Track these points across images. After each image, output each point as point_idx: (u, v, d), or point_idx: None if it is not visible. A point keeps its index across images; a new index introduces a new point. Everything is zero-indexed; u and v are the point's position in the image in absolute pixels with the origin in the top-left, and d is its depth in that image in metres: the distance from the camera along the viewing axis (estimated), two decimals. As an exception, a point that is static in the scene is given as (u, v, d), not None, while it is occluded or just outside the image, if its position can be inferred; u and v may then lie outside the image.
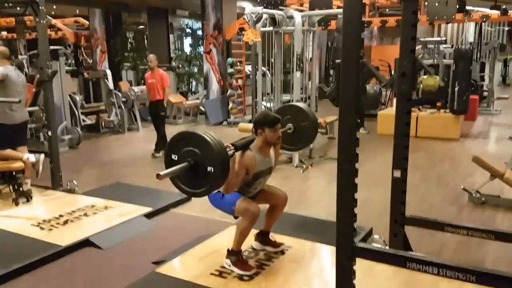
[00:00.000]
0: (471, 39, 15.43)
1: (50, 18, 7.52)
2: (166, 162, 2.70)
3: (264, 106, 7.22)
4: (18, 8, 7.39)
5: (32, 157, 4.71)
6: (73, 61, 12.99)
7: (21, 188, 4.72)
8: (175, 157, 2.64)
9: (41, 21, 4.86)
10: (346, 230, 2.24)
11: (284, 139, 3.37)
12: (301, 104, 3.81)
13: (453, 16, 7.05)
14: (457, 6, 3.72)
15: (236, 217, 3.17)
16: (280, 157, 6.77)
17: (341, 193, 2.21)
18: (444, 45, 10.71)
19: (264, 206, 3.37)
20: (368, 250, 2.43)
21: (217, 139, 2.59)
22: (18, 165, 4.68)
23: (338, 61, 2.40)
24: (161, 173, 2.47)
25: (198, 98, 11.13)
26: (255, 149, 3.06)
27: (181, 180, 2.66)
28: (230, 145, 2.84)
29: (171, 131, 9.56)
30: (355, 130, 2.11)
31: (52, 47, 7.42)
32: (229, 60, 10.31)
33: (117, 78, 10.95)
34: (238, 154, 2.95)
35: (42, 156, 4.85)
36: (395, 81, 2.98)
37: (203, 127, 10.34)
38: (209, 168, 2.53)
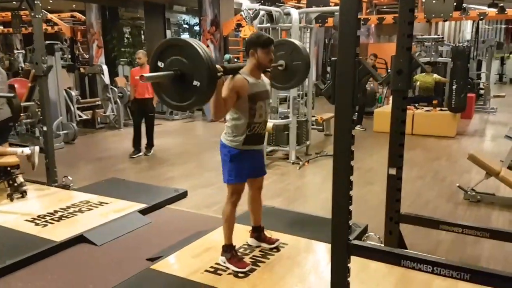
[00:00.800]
0: (468, 37, 15.45)
1: (46, 12, 7.48)
2: (151, 68, 2.56)
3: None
4: (14, 2, 7.34)
5: (26, 150, 4.68)
6: (69, 56, 12.96)
7: (15, 184, 4.70)
8: (161, 64, 2.50)
9: (36, 16, 4.81)
10: (341, 227, 2.24)
11: (275, 76, 3.32)
12: (296, 42, 3.70)
13: (451, 14, 7.06)
14: (455, 4, 3.70)
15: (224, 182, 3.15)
16: (276, 153, 6.81)
17: (336, 190, 2.20)
18: (444, 43, 10.72)
19: (244, 204, 3.36)
20: (362, 247, 2.44)
21: (207, 52, 2.45)
22: (13, 160, 4.66)
23: (334, 58, 2.40)
24: (145, 75, 2.38)
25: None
26: (245, 73, 2.95)
27: (165, 92, 2.55)
28: (219, 67, 2.67)
29: (168, 127, 9.62)
30: (350, 127, 2.10)
31: (48, 42, 7.40)
32: (226, 56, 10.27)
33: (113, 73, 10.90)
34: (228, 78, 2.87)
35: (37, 148, 4.82)
36: (391, 78, 2.97)
37: (200, 123, 10.32)
38: (195, 82, 2.41)
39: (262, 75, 3.11)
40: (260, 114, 3.03)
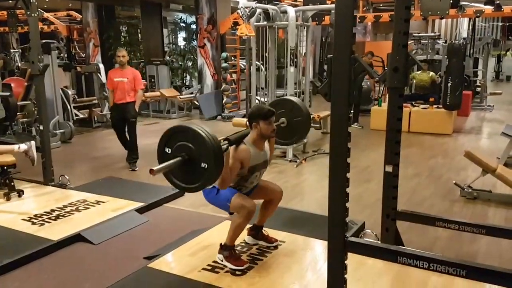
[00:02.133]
0: (464, 34, 15.47)
1: (42, 11, 7.46)
2: (159, 155, 2.67)
3: (258, 101, 7.20)
4: (10, 1, 7.31)
5: (23, 146, 4.65)
6: (66, 55, 12.91)
7: (12, 183, 4.69)
8: (168, 150, 2.62)
9: (32, 14, 4.80)
10: (338, 224, 2.24)
11: (278, 133, 3.36)
12: (294, 99, 3.81)
13: (447, 11, 7.09)
14: (451, 1, 3.72)
15: (231, 213, 3.16)
16: (274, 151, 6.80)
17: (333, 187, 2.20)
18: (440, 41, 10.75)
19: (259, 201, 3.38)
20: (359, 244, 2.45)
21: (211, 134, 2.56)
22: (10, 159, 4.64)
23: (330, 56, 2.40)
24: (155, 168, 2.45)
25: (192, 93, 11.09)
26: (249, 143, 3.05)
27: (174, 174, 2.64)
28: (224, 140, 2.83)
29: (165, 126, 9.58)
30: (346, 125, 2.10)
31: (44, 41, 7.38)
32: (223, 54, 10.27)
33: (110, 72, 10.86)
34: (232, 148, 2.94)
35: (33, 142, 4.78)
36: (387, 76, 2.97)
37: (197, 121, 10.31)
38: (203, 164, 2.51)
39: (265, 143, 3.19)
40: (252, 182, 3.16)
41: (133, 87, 5.89)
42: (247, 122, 3.14)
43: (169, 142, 2.63)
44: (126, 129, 6.07)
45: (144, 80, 11.30)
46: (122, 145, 6.20)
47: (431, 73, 9.37)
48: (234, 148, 2.96)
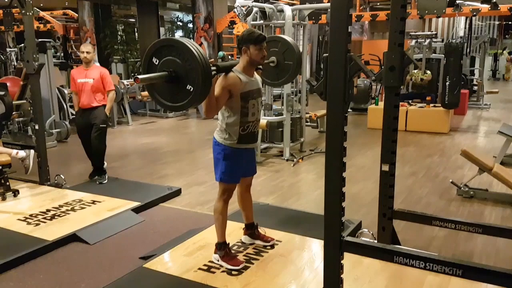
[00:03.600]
0: (461, 33, 15.49)
1: (38, 10, 7.41)
2: (144, 65, 2.54)
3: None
4: (5, 0, 7.27)
5: (21, 153, 4.65)
6: (62, 54, 12.86)
7: (7, 182, 4.66)
8: (156, 60, 2.48)
9: (27, 13, 4.77)
10: (334, 224, 2.23)
11: (266, 72, 3.31)
12: (289, 39, 3.66)
13: (444, 10, 7.08)
14: (448, 0, 3.71)
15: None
16: (270, 150, 6.80)
17: (329, 186, 2.20)
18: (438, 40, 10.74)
19: (235, 206, 3.37)
20: (355, 244, 2.43)
21: (202, 53, 2.44)
22: (5, 159, 4.62)
23: (326, 54, 2.40)
24: (140, 76, 2.36)
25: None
26: (238, 71, 2.95)
27: (159, 91, 2.54)
28: (212, 65, 2.66)
29: (161, 125, 9.58)
30: (342, 124, 2.09)
31: (40, 40, 7.35)
32: (220, 53, 10.22)
33: (106, 71, 10.84)
34: (221, 77, 2.86)
35: (32, 152, 4.78)
36: (383, 75, 2.96)
37: (194, 120, 10.29)
38: (189, 86, 2.42)
39: (255, 73, 3.10)
40: (253, 113, 3.02)
41: (101, 88, 5.11)
42: (237, 47, 3.04)
43: (157, 54, 2.49)
44: (91, 137, 5.20)
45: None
46: (89, 157, 5.42)
47: (428, 72, 9.36)
48: (223, 76, 2.87)
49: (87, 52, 4.99)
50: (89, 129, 5.15)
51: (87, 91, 5.05)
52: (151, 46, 2.52)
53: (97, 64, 5.34)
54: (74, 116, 5.01)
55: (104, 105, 5.18)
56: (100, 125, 5.11)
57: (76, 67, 5.40)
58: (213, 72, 2.63)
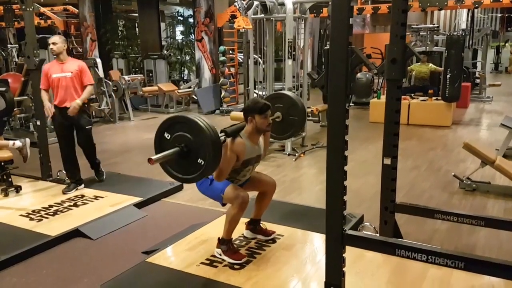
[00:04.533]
0: (463, 25, 15.41)
1: (38, 6, 7.38)
2: (156, 140, 2.62)
3: (257, 94, 7.17)
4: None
5: (18, 143, 4.64)
6: (63, 50, 12.84)
7: (9, 178, 4.67)
8: (168, 136, 2.57)
9: (27, 9, 4.76)
10: (336, 218, 2.23)
11: (272, 127, 3.33)
12: (292, 95, 3.76)
13: (446, 3, 7.01)
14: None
15: (223, 205, 3.14)
16: (272, 145, 6.79)
17: (330, 180, 2.19)
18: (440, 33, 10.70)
19: (253, 194, 3.36)
20: (357, 237, 2.44)
21: (211, 127, 2.52)
22: (7, 155, 4.62)
23: (327, 47, 2.37)
24: (153, 157, 2.43)
25: (190, 87, 11.06)
26: (244, 136, 3.04)
27: (171, 165, 2.61)
28: (220, 131, 2.80)
29: (162, 121, 9.56)
30: (344, 117, 2.08)
31: (41, 36, 7.34)
32: (221, 48, 10.22)
33: (107, 67, 10.82)
34: (229, 140, 2.93)
35: (28, 140, 4.77)
36: (385, 67, 2.95)
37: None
38: (201, 157, 2.49)
39: (261, 138, 3.18)
40: (244, 175, 3.15)
41: (80, 83, 4.61)
42: (243, 116, 3.12)
43: (169, 130, 2.58)
44: (77, 140, 4.81)
45: (141, 75, 11.27)
46: (65, 161, 4.85)
47: (430, 64, 9.33)
48: (231, 140, 2.95)
49: (53, 43, 4.49)
50: (70, 129, 4.70)
51: (65, 87, 4.54)
52: (163, 122, 2.61)
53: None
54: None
55: (85, 104, 4.68)
56: (86, 127, 4.71)
57: (49, 62, 4.89)
58: (222, 138, 2.75)
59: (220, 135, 2.72)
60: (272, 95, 3.88)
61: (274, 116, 3.48)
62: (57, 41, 4.49)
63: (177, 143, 2.53)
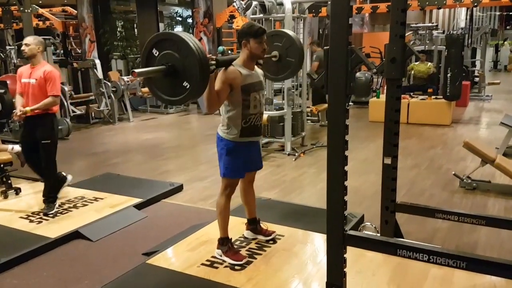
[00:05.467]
0: (462, 24, 15.41)
1: (37, 7, 7.37)
2: (144, 55, 2.51)
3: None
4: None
5: (16, 147, 4.64)
6: (62, 51, 12.83)
7: (9, 180, 4.66)
8: (156, 52, 2.46)
9: (26, 10, 4.76)
10: (337, 218, 2.22)
11: (267, 66, 3.29)
12: (292, 34, 3.61)
13: (444, 1, 7.00)
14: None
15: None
16: (272, 145, 6.78)
17: (331, 180, 2.18)
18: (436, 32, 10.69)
19: (239, 197, 3.35)
20: (358, 238, 2.43)
21: (201, 50, 2.41)
22: (6, 157, 4.62)
23: (326, 47, 2.38)
24: (137, 70, 2.35)
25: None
26: (238, 64, 2.93)
27: (156, 84, 2.53)
28: (212, 60, 2.65)
29: (162, 121, 9.57)
30: (344, 117, 2.08)
31: (39, 37, 7.32)
32: (220, 48, 10.22)
33: (106, 68, 10.81)
34: (221, 71, 2.84)
35: None
36: (385, 67, 2.94)
37: (195, 116, 10.28)
38: (185, 83, 2.41)
39: (256, 66, 3.08)
40: (255, 105, 2.99)
41: (45, 92, 3.99)
42: (237, 40, 3.00)
43: (158, 46, 2.47)
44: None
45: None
46: (39, 175, 4.45)
47: (429, 63, 9.33)
48: (223, 70, 2.85)
49: (25, 44, 3.97)
50: (31, 142, 4.13)
51: (28, 94, 4.01)
52: (152, 37, 2.50)
53: (45, 62, 4.27)
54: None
55: (50, 114, 4.08)
56: (42, 141, 4.04)
57: (23, 66, 4.38)
58: (213, 67, 2.62)
59: (211, 63, 2.59)
60: (272, 32, 3.67)
61: (271, 55, 3.39)
62: (30, 42, 3.97)
63: (165, 61, 2.43)
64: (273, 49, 3.45)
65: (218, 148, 3.09)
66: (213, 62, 2.63)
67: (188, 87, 2.41)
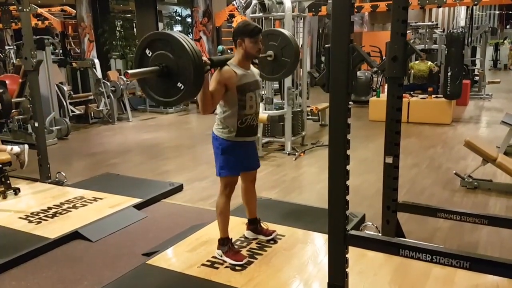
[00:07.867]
0: (462, 23, 15.40)
1: (35, 7, 7.33)
2: (137, 56, 2.48)
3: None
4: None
5: (16, 148, 4.62)
6: (61, 51, 12.80)
7: (8, 180, 4.64)
8: (149, 53, 2.42)
9: (24, 10, 4.72)
10: (338, 217, 2.20)
11: (262, 65, 3.26)
12: (287, 33, 3.57)
13: (444, 0, 6.97)
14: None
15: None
16: (272, 144, 6.76)
17: (332, 180, 2.16)
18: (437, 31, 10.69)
19: (239, 196, 3.33)
20: (360, 237, 2.41)
21: (196, 50, 2.37)
22: (5, 157, 4.59)
23: (328, 45, 2.36)
24: (130, 71, 2.32)
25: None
26: (233, 64, 2.89)
27: (149, 85, 2.49)
28: (207, 60, 2.62)
29: (161, 121, 9.54)
30: (346, 116, 2.05)
31: (38, 37, 7.30)
32: (220, 47, 10.19)
33: (105, 67, 10.79)
34: (216, 72, 2.81)
35: (27, 146, 4.75)
36: (386, 65, 2.92)
37: (194, 116, 10.26)
38: (179, 84, 2.37)
39: (251, 66, 3.05)
40: (251, 106, 2.97)
41: None
42: (232, 39, 2.97)
43: (151, 46, 2.42)
44: None
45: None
46: None
47: (429, 62, 9.31)
48: (218, 70, 2.82)
49: None
50: None
51: None
52: (145, 37, 2.46)
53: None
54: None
55: None
56: None
57: None
58: (207, 67, 2.59)
59: (206, 62, 2.57)
60: (268, 31, 3.64)
61: (266, 54, 3.36)
62: None
63: (158, 62, 2.39)
64: (268, 48, 3.42)
65: (213, 147, 3.06)
66: (208, 62, 2.60)
67: (182, 88, 2.37)
